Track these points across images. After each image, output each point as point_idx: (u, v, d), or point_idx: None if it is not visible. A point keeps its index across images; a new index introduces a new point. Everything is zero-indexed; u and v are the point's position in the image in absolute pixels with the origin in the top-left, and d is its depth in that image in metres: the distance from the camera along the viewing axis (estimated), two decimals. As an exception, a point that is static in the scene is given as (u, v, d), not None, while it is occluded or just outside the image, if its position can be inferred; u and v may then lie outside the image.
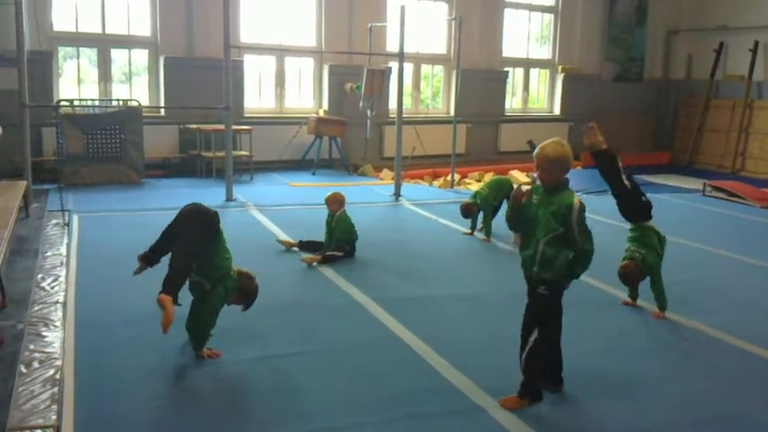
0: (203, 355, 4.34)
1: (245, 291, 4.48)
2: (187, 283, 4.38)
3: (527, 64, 15.71)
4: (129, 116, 10.69)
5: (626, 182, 5.27)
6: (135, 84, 12.09)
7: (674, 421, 3.81)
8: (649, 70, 16.90)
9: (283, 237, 7.27)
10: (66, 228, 7.44)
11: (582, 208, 3.69)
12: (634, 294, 5.61)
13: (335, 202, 6.82)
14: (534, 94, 16.13)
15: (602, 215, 9.22)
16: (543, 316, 3.77)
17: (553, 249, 3.68)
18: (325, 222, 6.86)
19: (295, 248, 6.94)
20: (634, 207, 5.41)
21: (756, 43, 14.84)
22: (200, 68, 11.56)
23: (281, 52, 12.86)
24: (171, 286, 4.12)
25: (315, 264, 6.49)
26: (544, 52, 16.00)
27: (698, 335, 5.11)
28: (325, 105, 13.17)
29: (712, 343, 4.98)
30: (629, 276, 5.31)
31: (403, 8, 10.17)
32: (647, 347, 4.87)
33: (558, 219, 3.65)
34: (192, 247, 4.31)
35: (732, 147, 15.26)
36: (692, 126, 16.22)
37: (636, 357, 4.67)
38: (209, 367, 4.26)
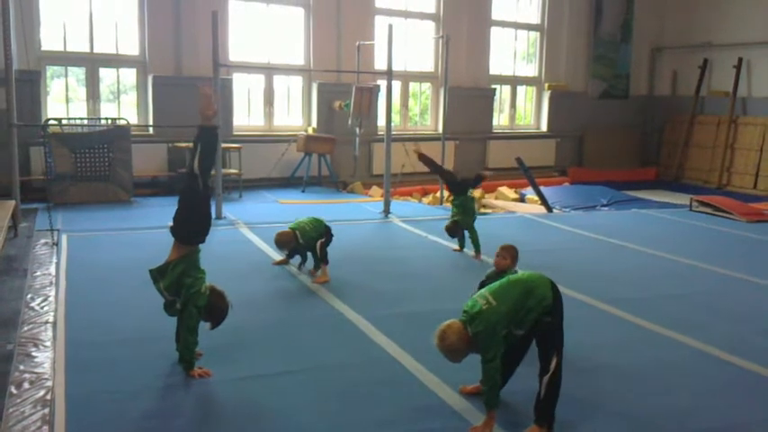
0: (194, 374, 4.32)
1: (214, 309, 4.43)
2: (163, 302, 4.44)
3: (514, 81, 15.83)
4: (118, 135, 10.68)
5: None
6: (123, 102, 12.10)
7: (665, 436, 3.83)
8: (635, 87, 17.08)
9: (277, 257, 7.19)
10: (55, 247, 7.40)
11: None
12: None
13: (285, 242, 6.68)
14: (521, 111, 16.25)
15: (587, 230, 9.27)
16: (557, 341, 3.78)
17: None
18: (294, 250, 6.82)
19: (291, 265, 6.94)
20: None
21: (740, 60, 15.03)
22: (189, 87, 11.53)
23: (269, 70, 12.91)
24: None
25: (317, 282, 6.51)
26: (531, 70, 16.14)
27: (687, 349, 5.14)
28: (314, 123, 13.21)
29: (703, 357, 5.01)
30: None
31: (391, 27, 10.26)
32: (637, 362, 4.89)
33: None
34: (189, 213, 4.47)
35: (718, 162, 15.41)
36: (677, 142, 16.37)
37: (626, 371, 4.69)
38: (200, 387, 4.24)
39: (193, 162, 4.41)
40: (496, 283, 3.85)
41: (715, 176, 15.39)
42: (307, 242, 6.62)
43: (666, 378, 4.63)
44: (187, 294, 4.33)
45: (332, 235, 6.81)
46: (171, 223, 4.51)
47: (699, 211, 11.26)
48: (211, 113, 4.55)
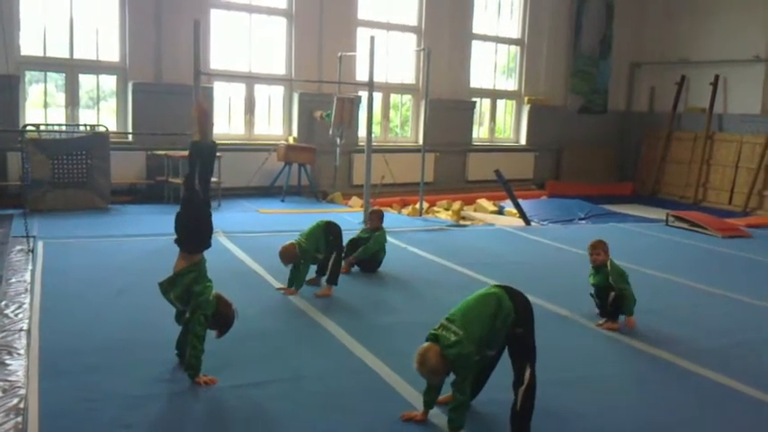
0: (199, 382, 4.33)
1: (221, 317, 4.48)
2: (175, 312, 4.52)
3: (494, 95, 15.95)
4: (96, 142, 10.60)
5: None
6: (102, 109, 12.02)
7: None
8: (613, 102, 17.28)
9: (278, 284, 6.77)
10: (30, 254, 7.32)
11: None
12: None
13: (290, 254, 6.45)
14: (501, 124, 16.37)
15: (564, 243, 9.35)
16: (530, 353, 3.80)
17: None
18: (294, 267, 6.57)
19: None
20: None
21: (717, 77, 15.27)
22: (169, 94, 11.54)
23: (250, 79, 12.90)
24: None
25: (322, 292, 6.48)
26: (510, 84, 16.27)
27: (662, 362, 5.20)
28: (295, 132, 13.21)
29: (676, 370, 5.06)
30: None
31: (372, 38, 10.30)
32: (613, 374, 4.93)
33: None
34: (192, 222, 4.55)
35: (694, 178, 15.61)
36: (654, 157, 16.57)
37: (602, 384, 4.73)
38: (179, 396, 4.21)
39: (193, 180, 4.47)
40: (461, 308, 3.82)
41: (691, 192, 15.59)
42: (306, 259, 6.47)
43: (641, 391, 4.67)
44: (196, 302, 4.37)
45: (341, 240, 6.64)
46: (175, 236, 4.54)
47: (675, 226, 11.39)
48: (209, 128, 4.58)
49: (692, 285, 7.59)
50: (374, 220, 7.75)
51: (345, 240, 6.98)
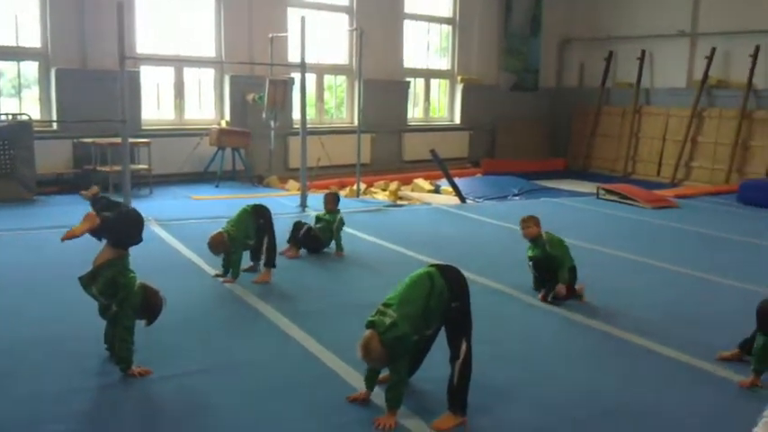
0: (133, 373, 4.23)
1: (149, 305, 4.39)
2: (98, 306, 4.38)
3: (428, 74, 15.99)
4: (19, 131, 10.19)
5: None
6: (25, 97, 11.58)
7: (578, 415, 3.95)
8: (544, 79, 17.53)
9: (215, 272, 6.61)
10: (-49, 249, 7.03)
11: None
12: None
13: (219, 243, 6.30)
14: (435, 104, 16.43)
15: (498, 219, 9.48)
16: (466, 326, 3.83)
17: None
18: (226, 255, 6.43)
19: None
20: None
21: (643, 52, 15.63)
22: (95, 80, 11.19)
23: (179, 63, 12.60)
24: (102, 217, 4.40)
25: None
26: (444, 63, 16.33)
27: (597, 333, 5.33)
28: (227, 116, 12.99)
29: (608, 339, 5.20)
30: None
31: (303, 18, 10.18)
32: (548, 346, 5.04)
33: None
34: (121, 223, 4.48)
35: (623, 151, 16.00)
36: (585, 132, 16.90)
37: (534, 356, 4.82)
38: (111, 388, 4.11)
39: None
40: (397, 292, 3.83)
41: (621, 165, 15.97)
42: (236, 247, 6.33)
43: (576, 361, 4.78)
44: (123, 294, 4.27)
45: (271, 223, 6.50)
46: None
47: (605, 199, 11.67)
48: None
49: (622, 256, 7.80)
50: (329, 203, 7.72)
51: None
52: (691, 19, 15.00)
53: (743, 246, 8.64)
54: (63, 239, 4.31)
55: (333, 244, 7.57)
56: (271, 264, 6.45)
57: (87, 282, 4.32)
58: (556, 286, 5.92)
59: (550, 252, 5.94)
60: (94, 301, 4.38)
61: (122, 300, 4.28)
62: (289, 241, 7.37)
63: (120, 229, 4.42)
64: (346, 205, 10.68)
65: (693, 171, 14.82)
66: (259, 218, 6.49)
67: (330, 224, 7.55)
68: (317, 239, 7.48)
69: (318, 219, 7.70)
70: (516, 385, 4.33)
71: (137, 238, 4.50)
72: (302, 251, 7.43)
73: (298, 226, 7.48)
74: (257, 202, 6.81)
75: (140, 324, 4.40)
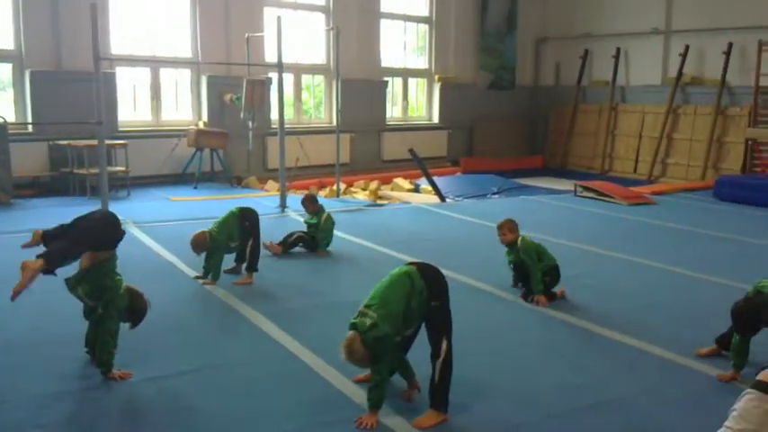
0: (114, 376, 4.21)
1: (133, 308, 4.39)
2: (83, 307, 4.35)
3: (405, 74, 16.03)
4: (-6, 134, 10.10)
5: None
6: (0, 99, 11.44)
7: (558, 411, 3.99)
8: (521, 78, 17.63)
9: (195, 273, 6.59)
10: (-75, 255, 6.94)
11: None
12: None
13: (201, 243, 6.31)
14: (414, 103, 16.47)
15: (477, 217, 9.53)
16: (446, 325, 3.85)
17: None
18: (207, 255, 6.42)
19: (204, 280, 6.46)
20: None
21: (618, 50, 15.78)
22: (70, 82, 11.09)
23: (155, 63, 12.51)
24: (46, 255, 3.97)
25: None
26: (421, 62, 16.37)
27: (576, 329, 5.38)
28: (205, 117, 12.94)
29: (587, 334, 5.25)
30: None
31: (279, 18, 10.15)
32: (527, 342, 5.08)
33: None
34: (87, 237, 4.20)
35: (600, 149, 16.14)
36: (562, 130, 17.03)
37: (514, 353, 4.86)
38: (92, 391, 4.09)
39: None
40: (377, 292, 3.83)
41: (598, 162, 16.12)
42: (217, 248, 6.31)
43: (556, 357, 4.83)
44: (108, 297, 4.25)
45: (257, 227, 6.51)
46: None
47: (583, 196, 11.77)
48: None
49: (599, 252, 7.87)
50: (309, 206, 7.75)
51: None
52: (665, 17, 15.17)
53: (719, 241, 8.76)
54: (12, 299, 3.85)
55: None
56: (253, 268, 6.45)
57: (74, 284, 4.29)
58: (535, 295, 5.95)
59: (524, 258, 5.98)
60: (79, 302, 4.35)
61: (108, 302, 4.26)
62: (280, 243, 7.49)
63: (96, 235, 4.28)
64: (326, 206, 10.71)
65: (669, 168, 14.99)
66: (245, 221, 6.49)
67: (318, 224, 7.62)
68: (312, 240, 7.60)
69: (308, 224, 7.76)
70: (496, 382, 4.36)
71: (118, 237, 4.41)
72: (296, 248, 7.55)
73: (290, 234, 7.62)
74: (245, 205, 6.82)
75: (124, 326, 4.39)
